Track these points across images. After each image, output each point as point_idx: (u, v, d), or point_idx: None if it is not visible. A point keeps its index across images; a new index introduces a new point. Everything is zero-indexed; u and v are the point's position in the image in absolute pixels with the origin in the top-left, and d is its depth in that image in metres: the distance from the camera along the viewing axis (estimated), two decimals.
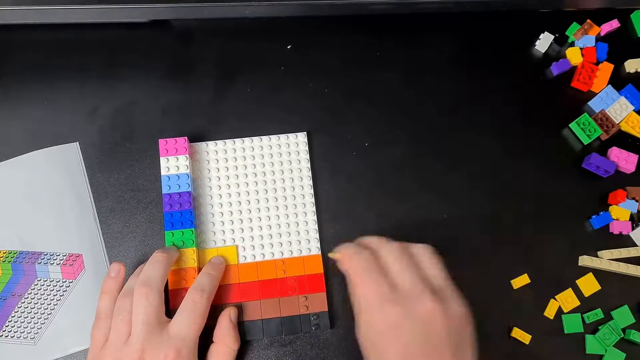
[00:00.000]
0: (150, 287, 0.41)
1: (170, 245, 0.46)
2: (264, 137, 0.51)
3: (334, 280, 0.48)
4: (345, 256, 0.41)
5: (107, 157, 0.51)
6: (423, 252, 0.41)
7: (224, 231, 0.48)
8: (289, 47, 0.55)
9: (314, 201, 0.49)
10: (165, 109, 0.52)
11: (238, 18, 0.54)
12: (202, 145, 0.50)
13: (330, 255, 0.44)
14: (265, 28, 0.55)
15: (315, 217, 0.49)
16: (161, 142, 0.49)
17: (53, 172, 0.50)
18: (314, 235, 0.48)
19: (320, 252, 0.48)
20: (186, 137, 0.49)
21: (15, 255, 0.48)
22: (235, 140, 0.51)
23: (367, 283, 0.39)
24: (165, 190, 0.47)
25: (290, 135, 0.51)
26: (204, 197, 0.49)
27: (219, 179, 0.50)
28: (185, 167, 0.48)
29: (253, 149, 0.51)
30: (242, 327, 0.46)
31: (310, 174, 0.50)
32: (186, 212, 0.47)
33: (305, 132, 0.51)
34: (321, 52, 0.54)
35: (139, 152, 0.51)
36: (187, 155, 0.48)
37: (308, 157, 0.51)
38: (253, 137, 0.51)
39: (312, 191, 0.50)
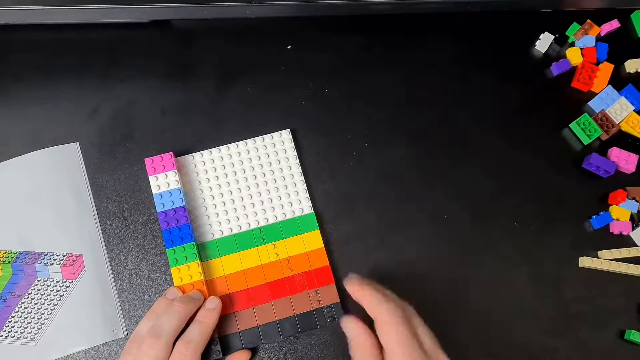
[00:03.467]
0: (158, 339, 0.41)
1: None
2: (249, 140, 0.51)
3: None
4: (370, 302, 0.39)
5: (107, 157, 0.51)
6: (419, 322, 0.40)
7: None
8: (289, 47, 0.55)
9: (308, 196, 0.49)
10: (165, 109, 0.52)
11: (238, 18, 0.54)
12: (189, 157, 0.50)
13: (348, 286, 0.41)
14: (265, 28, 0.55)
15: (312, 211, 0.49)
16: (147, 161, 0.49)
17: (53, 172, 0.50)
18: (314, 227, 0.48)
19: (323, 245, 0.48)
20: (172, 152, 0.49)
21: (15, 255, 0.48)
22: (221, 147, 0.51)
23: (401, 338, 0.38)
24: (159, 208, 0.47)
25: (274, 134, 0.51)
26: (199, 209, 0.49)
27: (211, 189, 0.50)
28: (176, 182, 0.48)
29: (240, 154, 0.50)
30: (257, 332, 0.46)
31: (300, 170, 0.50)
32: (184, 227, 0.47)
33: (289, 130, 0.51)
34: (321, 52, 0.54)
35: (139, 152, 0.51)
36: (175, 171, 0.48)
37: (295, 154, 0.51)
38: (238, 142, 0.51)
39: (304, 186, 0.50)
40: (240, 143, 0.51)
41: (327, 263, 0.48)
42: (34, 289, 0.48)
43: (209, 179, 0.50)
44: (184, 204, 0.48)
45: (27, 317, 0.47)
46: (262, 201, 0.49)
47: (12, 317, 0.47)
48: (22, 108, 0.52)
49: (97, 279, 0.47)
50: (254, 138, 0.51)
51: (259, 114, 0.52)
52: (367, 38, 0.55)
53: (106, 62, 0.53)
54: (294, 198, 0.49)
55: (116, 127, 0.52)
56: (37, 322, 0.46)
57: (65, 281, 0.47)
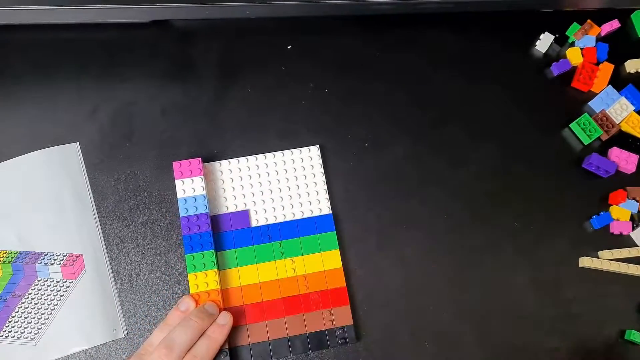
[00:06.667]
0: (170, 350, 0.41)
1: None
2: (277, 153, 0.50)
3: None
4: None
5: (107, 157, 0.51)
6: None
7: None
8: (289, 47, 0.55)
9: (332, 215, 0.49)
10: (165, 109, 0.52)
11: (238, 18, 0.54)
12: (216, 164, 0.50)
13: None
14: (265, 28, 0.55)
15: (334, 230, 0.48)
16: (175, 164, 0.48)
17: (53, 172, 0.50)
18: (335, 247, 0.48)
19: (341, 265, 0.48)
20: (200, 158, 0.49)
21: (15, 255, 0.48)
22: (249, 157, 0.50)
23: None
24: (182, 213, 0.47)
25: (303, 149, 0.51)
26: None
27: (235, 197, 0.49)
28: (201, 188, 0.48)
29: (267, 165, 0.50)
30: (268, 347, 0.45)
31: (325, 187, 0.50)
32: (205, 234, 0.47)
33: (317, 146, 0.51)
34: (321, 52, 0.54)
35: (139, 152, 0.51)
36: (202, 177, 0.48)
37: (322, 171, 0.50)
38: (266, 154, 0.50)
39: (328, 205, 0.49)
40: (269, 155, 0.50)
41: (344, 284, 0.47)
42: (34, 289, 0.47)
43: (233, 188, 0.50)
44: (207, 210, 0.47)
45: (27, 317, 0.47)
46: (284, 215, 0.49)
47: (12, 317, 0.47)
48: (22, 108, 0.52)
49: (97, 279, 0.47)
50: (282, 151, 0.50)
51: (258, 114, 0.52)
52: (367, 38, 0.55)
53: (106, 62, 0.53)
54: (316, 215, 0.49)
55: (116, 127, 0.52)
56: (37, 322, 0.46)
57: (66, 281, 0.47)
